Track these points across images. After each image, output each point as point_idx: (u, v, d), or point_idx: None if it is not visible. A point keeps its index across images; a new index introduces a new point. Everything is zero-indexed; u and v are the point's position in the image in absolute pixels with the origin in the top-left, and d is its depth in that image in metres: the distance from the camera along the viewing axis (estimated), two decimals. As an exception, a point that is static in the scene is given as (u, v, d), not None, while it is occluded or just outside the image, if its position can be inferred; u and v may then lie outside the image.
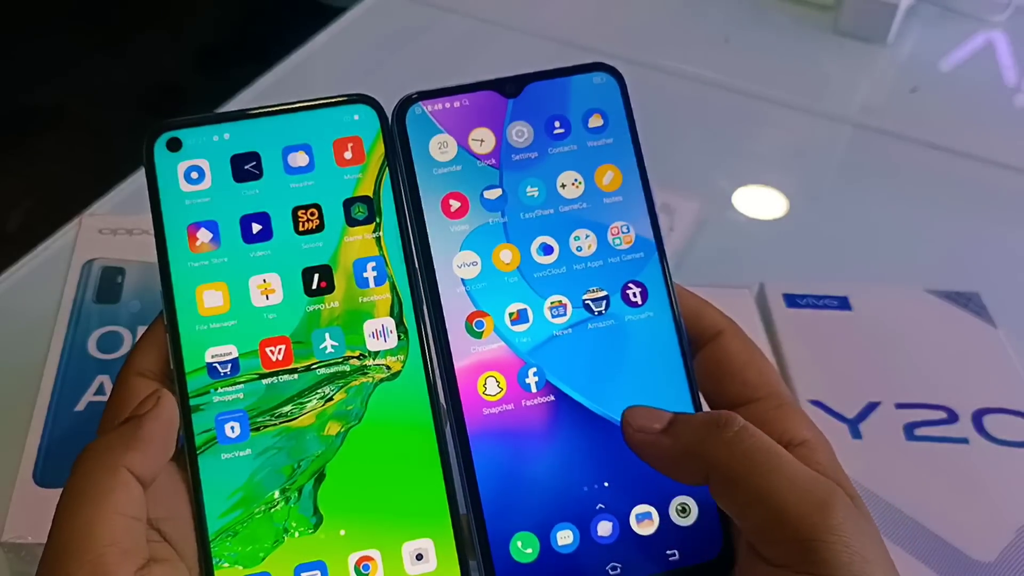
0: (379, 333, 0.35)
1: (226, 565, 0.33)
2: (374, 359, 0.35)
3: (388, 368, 0.35)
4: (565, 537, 0.35)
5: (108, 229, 0.58)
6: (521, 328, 0.36)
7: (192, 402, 0.34)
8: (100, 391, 0.51)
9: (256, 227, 0.35)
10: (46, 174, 1.58)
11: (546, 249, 0.37)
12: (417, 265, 0.36)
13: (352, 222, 0.35)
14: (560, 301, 0.36)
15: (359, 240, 0.35)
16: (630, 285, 0.37)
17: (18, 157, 1.62)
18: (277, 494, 0.34)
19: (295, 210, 0.35)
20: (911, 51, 0.95)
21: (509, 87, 0.37)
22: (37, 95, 1.75)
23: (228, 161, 0.35)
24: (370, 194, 0.36)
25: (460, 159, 0.37)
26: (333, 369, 0.35)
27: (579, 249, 0.37)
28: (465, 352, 0.36)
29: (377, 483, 0.34)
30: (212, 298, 0.34)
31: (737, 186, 0.78)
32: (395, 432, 0.35)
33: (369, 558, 0.34)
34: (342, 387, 0.35)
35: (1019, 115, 0.91)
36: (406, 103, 0.36)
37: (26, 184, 1.58)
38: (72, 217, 0.64)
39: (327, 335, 0.35)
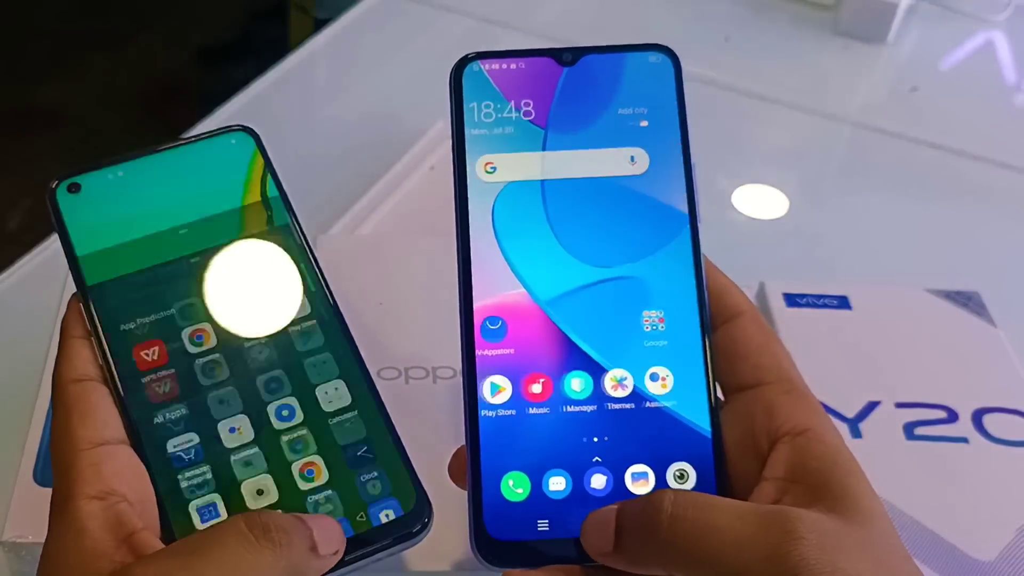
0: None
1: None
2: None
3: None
4: (557, 483, 0.36)
5: (108, 229, 0.58)
6: (542, 277, 0.37)
7: (124, 385, 0.36)
8: (100, 391, 0.50)
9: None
10: (46, 174, 1.58)
11: (579, 214, 0.38)
12: (455, 206, 0.38)
13: (247, 224, 0.39)
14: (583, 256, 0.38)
15: (255, 231, 0.39)
16: (659, 255, 0.38)
17: (18, 157, 1.62)
18: (220, 443, 0.36)
19: (195, 216, 0.39)
20: (911, 51, 0.95)
21: (566, 56, 0.39)
22: (37, 95, 1.75)
23: (124, 192, 0.39)
24: (258, 194, 0.39)
25: (509, 116, 0.38)
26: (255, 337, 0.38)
27: (612, 217, 0.38)
28: (486, 294, 0.37)
29: (314, 420, 0.37)
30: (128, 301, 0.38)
31: (737, 186, 0.78)
32: (320, 368, 0.37)
33: (312, 464, 0.36)
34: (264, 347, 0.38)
35: (1019, 115, 0.91)
36: (465, 61, 0.38)
37: (26, 184, 1.58)
38: (72, 217, 0.64)
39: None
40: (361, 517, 0.35)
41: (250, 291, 0.38)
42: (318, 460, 0.36)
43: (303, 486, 0.36)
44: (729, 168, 0.80)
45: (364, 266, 0.58)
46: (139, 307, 0.37)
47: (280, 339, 0.38)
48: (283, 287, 0.38)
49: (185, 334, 0.37)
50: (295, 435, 0.36)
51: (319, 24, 0.97)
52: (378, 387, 0.38)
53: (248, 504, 0.35)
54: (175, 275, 0.38)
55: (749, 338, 0.37)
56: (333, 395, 0.37)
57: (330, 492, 0.36)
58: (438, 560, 0.44)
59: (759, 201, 0.78)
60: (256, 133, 0.40)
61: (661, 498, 0.33)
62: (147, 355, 0.37)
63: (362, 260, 0.58)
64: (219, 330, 0.37)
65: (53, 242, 0.67)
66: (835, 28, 0.95)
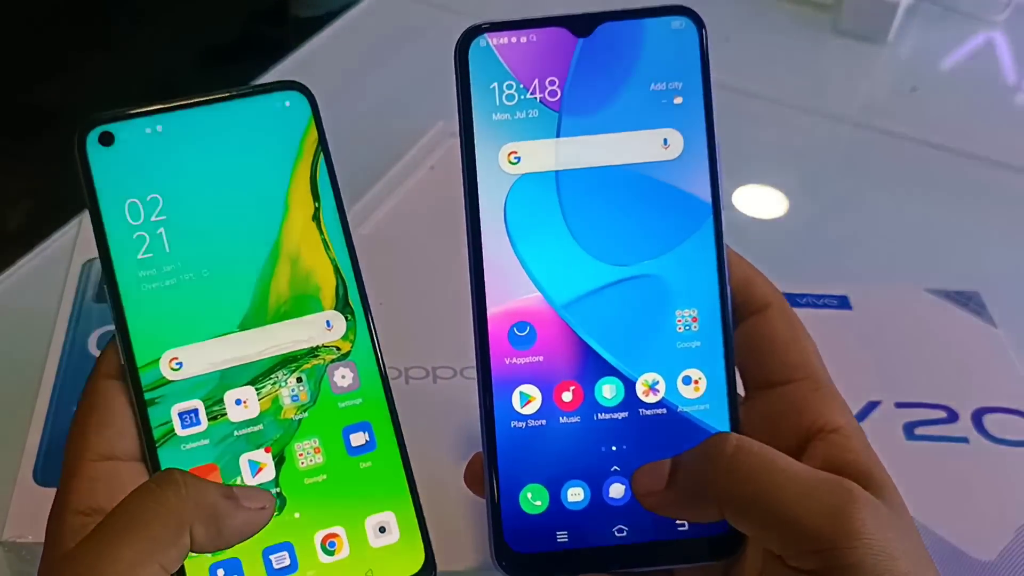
0: (328, 322, 0.36)
1: (194, 554, 0.33)
2: (324, 341, 0.36)
3: (338, 349, 0.36)
4: (576, 494, 0.35)
5: (108, 229, 0.58)
6: (561, 278, 0.35)
7: (147, 396, 0.34)
8: (100, 391, 0.50)
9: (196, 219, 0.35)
10: (46, 174, 1.58)
11: (599, 208, 0.35)
12: (464, 201, 0.35)
13: (291, 208, 0.35)
14: (602, 255, 0.36)
15: (299, 225, 0.35)
16: (680, 247, 0.36)
17: (18, 157, 1.62)
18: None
19: (236, 199, 0.35)
20: (911, 51, 0.95)
21: (580, 25, 0.35)
22: (37, 95, 1.75)
23: (162, 153, 0.34)
24: (307, 179, 0.35)
25: (521, 99, 0.35)
26: (285, 354, 0.35)
27: (634, 209, 0.36)
28: (499, 300, 0.35)
29: (336, 461, 0.35)
30: (160, 295, 0.34)
31: (737, 186, 0.78)
32: (350, 410, 0.35)
33: (334, 535, 0.35)
34: (295, 371, 0.35)
35: (1019, 115, 0.91)
36: (471, 34, 0.35)
37: (26, 184, 1.58)
38: (72, 217, 0.64)
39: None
40: (369, 573, 0.35)
41: (286, 298, 0.35)
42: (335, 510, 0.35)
43: (316, 531, 0.35)
44: (729, 168, 0.79)
45: (364, 266, 0.57)
46: (170, 297, 0.34)
47: (314, 370, 0.35)
48: (320, 299, 0.36)
49: (214, 344, 0.34)
50: (316, 479, 0.35)
51: (301, 24, 0.97)
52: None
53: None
54: (209, 262, 0.34)
55: (776, 332, 0.36)
56: (359, 440, 0.35)
57: (344, 541, 0.35)
58: (454, 560, 0.44)
59: (759, 201, 0.78)
60: (312, 95, 0.35)
61: (727, 435, 0.32)
62: (174, 364, 0.34)
63: (362, 260, 0.58)
64: (248, 345, 0.35)
65: (53, 242, 0.67)
66: (835, 28, 0.95)
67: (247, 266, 0.35)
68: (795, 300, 0.59)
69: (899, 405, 0.54)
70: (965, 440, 0.53)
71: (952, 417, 0.54)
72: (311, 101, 0.35)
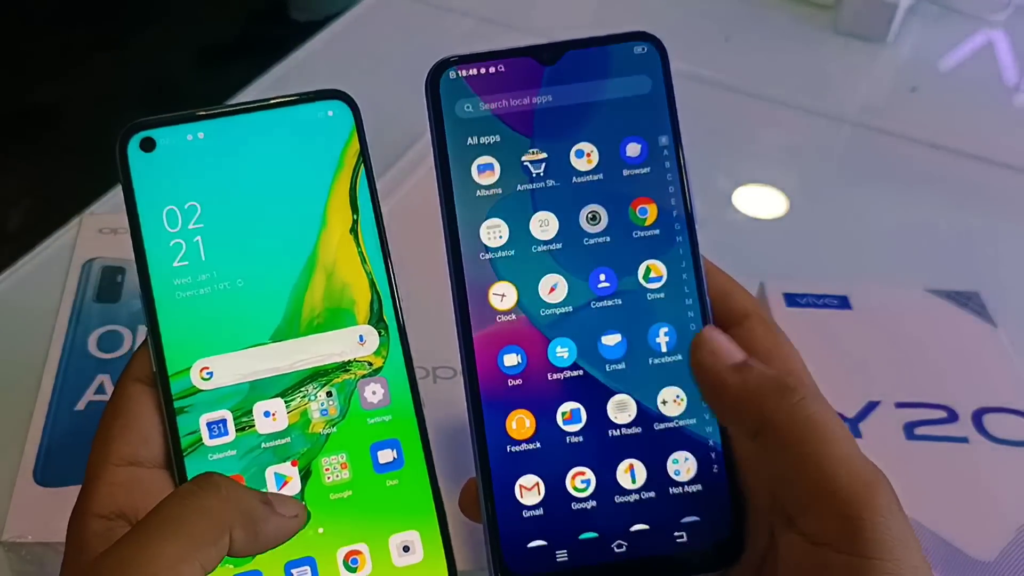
0: (361, 336, 0.35)
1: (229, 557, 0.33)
2: (356, 356, 0.35)
3: (370, 364, 0.35)
4: (576, 515, 0.35)
5: (108, 228, 0.58)
6: (541, 301, 0.36)
7: (176, 404, 0.34)
8: (100, 390, 0.51)
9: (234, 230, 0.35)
10: (46, 174, 1.58)
11: (573, 224, 0.36)
12: (443, 229, 0.36)
13: (329, 220, 0.35)
14: (580, 277, 0.36)
15: (337, 237, 0.35)
16: (654, 262, 0.36)
17: (18, 157, 1.62)
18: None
19: (274, 209, 0.35)
20: (911, 50, 0.95)
21: (546, 54, 0.36)
22: (37, 95, 1.75)
23: (202, 161, 0.35)
24: (347, 191, 0.35)
25: (492, 126, 0.36)
26: (316, 367, 0.35)
27: (610, 225, 0.36)
28: (485, 325, 0.35)
29: (362, 478, 0.35)
30: (194, 303, 0.34)
31: (737, 186, 0.78)
32: (379, 427, 0.35)
33: (357, 552, 0.34)
34: (325, 385, 0.35)
35: (1019, 115, 0.91)
36: (441, 67, 0.36)
37: (26, 184, 1.58)
38: (72, 217, 0.64)
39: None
40: None
41: (320, 310, 0.35)
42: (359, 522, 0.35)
43: (339, 547, 0.34)
44: (729, 168, 0.80)
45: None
46: (203, 306, 0.34)
47: (345, 385, 0.35)
48: (354, 313, 0.35)
49: (246, 355, 0.34)
50: (341, 495, 0.35)
51: (300, 24, 0.97)
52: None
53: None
54: (244, 272, 0.34)
55: (757, 342, 0.36)
56: (387, 457, 0.35)
57: (367, 558, 0.34)
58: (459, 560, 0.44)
59: (759, 201, 0.78)
60: (356, 105, 0.36)
61: (798, 383, 0.33)
62: (205, 373, 0.34)
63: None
64: (280, 357, 0.34)
65: (53, 242, 0.67)
66: (835, 28, 0.95)
67: (282, 277, 0.35)
68: (795, 300, 0.59)
69: (899, 405, 0.54)
70: (965, 440, 0.53)
71: (952, 417, 0.54)
72: (354, 111, 0.36)
